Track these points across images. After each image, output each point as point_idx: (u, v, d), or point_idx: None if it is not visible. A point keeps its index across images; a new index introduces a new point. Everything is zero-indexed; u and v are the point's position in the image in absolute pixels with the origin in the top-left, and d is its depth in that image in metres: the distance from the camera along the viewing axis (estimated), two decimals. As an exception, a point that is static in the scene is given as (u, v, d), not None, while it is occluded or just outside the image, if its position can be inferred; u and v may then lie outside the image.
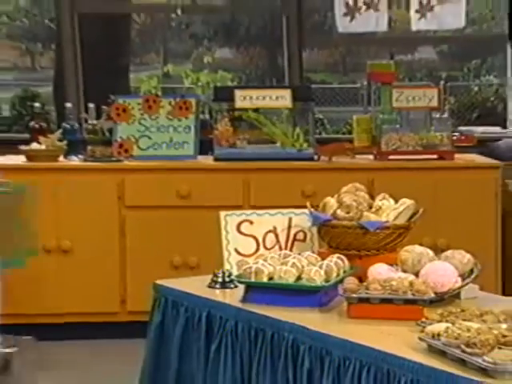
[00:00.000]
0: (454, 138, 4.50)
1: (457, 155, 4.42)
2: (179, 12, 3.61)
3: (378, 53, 6.29)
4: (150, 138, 4.44)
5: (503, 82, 6.60)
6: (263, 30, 10.23)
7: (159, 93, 4.87)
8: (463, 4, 4.88)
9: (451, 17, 4.88)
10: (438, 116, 4.48)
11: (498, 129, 5.30)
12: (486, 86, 8.64)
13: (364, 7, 4.85)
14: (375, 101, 4.66)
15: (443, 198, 3.97)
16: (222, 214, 2.75)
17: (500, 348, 1.90)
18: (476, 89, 8.71)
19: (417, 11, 4.88)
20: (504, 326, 2.03)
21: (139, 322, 3.01)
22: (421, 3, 4.87)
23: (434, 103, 4.44)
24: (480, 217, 4.23)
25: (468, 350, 1.91)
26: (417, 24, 4.89)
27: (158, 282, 2.71)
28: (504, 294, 3.57)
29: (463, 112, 6.66)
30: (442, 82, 4.67)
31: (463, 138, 4.64)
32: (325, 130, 5.64)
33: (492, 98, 7.37)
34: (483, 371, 1.85)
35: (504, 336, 1.95)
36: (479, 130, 5.11)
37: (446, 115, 4.49)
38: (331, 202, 2.74)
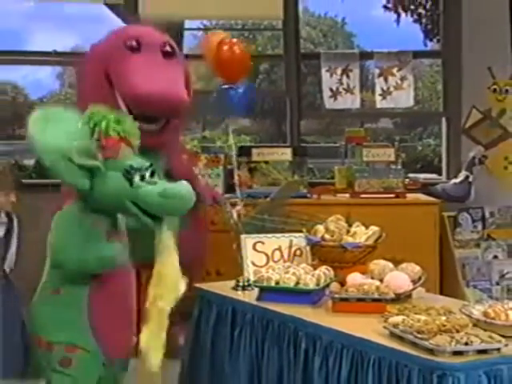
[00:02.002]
0: (406, 182, 4.46)
1: (408, 195, 4.39)
2: (214, 94, 3.64)
3: (352, 123, 6.31)
4: (191, 181, 4.44)
5: (438, 143, 6.69)
6: (272, 107, 10.32)
7: (199, 150, 4.85)
8: (411, 90, 4.90)
9: (403, 98, 4.91)
10: (394, 167, 4.43)
11: (434, 175, 5.31)
12: (426, 146, 8.72)
13: (343, 91, 4.89)
14: (350, 156, 4.64)
15: (399, 226, 3.91)
16: (243, 237, 2.73)
17: (441, 334, 1.88)
18: (419, 148, 8.80)
19: (380, 94, 4.91)
20: (443, 318, 2.01)
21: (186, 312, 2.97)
22: (382, 89, 4.90)
23: (392, 158, 4.42)
24: (425, 239, 4.17)
25: (419, 335, 1.89)
26: (380, 103, 4.92)
27: (198, 285, 2.69)
28: (441, 294, 3.52)
29: (411, 164, 6.65)
30: (396, 143, 4.64)
31: (411, 182, 4.62)
32: (314, 176, 5.61)
33: (431, 155, 7.40)
34: (430, 351, 1.82)
35: (444, 325, 1.94)
36: (422, 176, 5.08)
37: (399, 167, 4.45)
38: (320, 228, 2.73)
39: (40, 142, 2.30)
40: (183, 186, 2.36)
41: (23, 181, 5.38)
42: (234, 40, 3.55)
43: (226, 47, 3.45)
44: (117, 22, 5.43)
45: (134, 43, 3.30)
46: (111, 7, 5.87)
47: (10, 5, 5.87)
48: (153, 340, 2.31)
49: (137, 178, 2.31)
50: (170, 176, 3.60)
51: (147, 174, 2.36)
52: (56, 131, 2.32)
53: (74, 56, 5.38)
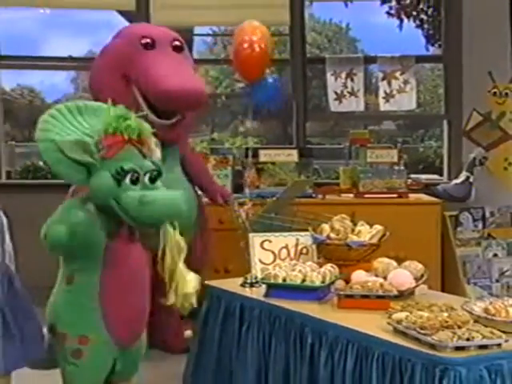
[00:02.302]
0: (408, 183, 4.44)
1: (410, 195, 4.37)
2: (223, 98, 3.68)
3: (356, 125, 6.29)
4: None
5: (440, 145, 6.67)
6: (279, 110, 10.31)
7: (208, 152, 4.85)
8: (414, 93, 4.89)
9: (406, 101, 4.90)
10: (397, 168, 4.41)
11: (436, 176, 5.29)
12: (428, 148, 8.69)
13: (348, 94, 4.89)
14: (354, 157, 4.61)
15: (402, 225, 3.89)
16: (251, 235, 2.72)
17: (443, 330, 1.87)
18: (421, 149, 8.77)
19: (383, 97, 4.90)
20: (445, 314, 2.00)
21: (194, 308, 2.96)
22: (386, 92, 4.89)
23: (395, 159, 4.40)
24: (427, 237, 4.15)
25: (422, 331, 1.88)
26: (383, 106, 4.93)
27: (206, 282, 2.68)
28: (443, 291, 3.50)
29: (412, 165, 6.65)
30: (398, 145, 4.63)
31: (414, 183, 4.60)
32: (319, 177, 5.58)
33: (432, 156, 7.38)
34: (432, 346, 1.81)
35: (446, 321, 1.92)
36: (423, 177, 5.06)
37: (402, 167, 4.43)
38: (326, 227, 2.71)
39: (40, 136, 2.28)
40: (168, 195, 2.29)
41: (38, 181, 5.43)
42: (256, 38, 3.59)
43: (246, 45, 3.49)
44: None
45: (148, 41, 3.32)
46: (123, 14, 5.89)
47: (27, 13, 5.89)
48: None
49: (127, 180, 2.25)
50: (185, 171, 3.61)
51: (146, 178, 2.28)
52: (61, 128, 2.31)
53: (88, 61, 5.40)
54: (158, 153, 2.46)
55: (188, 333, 3.15)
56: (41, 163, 6.04)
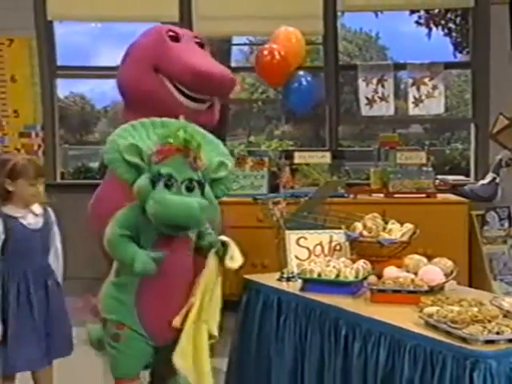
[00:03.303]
0: (436, 183, 4.38)
1: (438, 195, 4.31)
2: (259, 103, 3.67)
3: (385, 128, 6.23)
4: (238, 182, 4.44)
5: (466, 147, 6.57)
6: (312, 114, 10.26)
7: (245, 154, 4.87)
8: (442, 98, 4.83)
9: (434, 106, 4.85)
10: (425, 169, 4.35)
11: (462, 177, 5.20)
12: (454, 150, 8.57)
13: (378, 100, 4.86)
14: (383, 159, 4.58)
15: (430, 223, 3.81)
16: (287, 232, 2.71)
17: (473, 324, 1.83)
18: (448, 152, 8.65)
19: (413, 102, 4.85)
20: (475, 309, 1.95)
21: (234, 301, 2.97)
22: (415, 97, 4.84)
23: (423, 161, 4.34)
24: (454, 235, 4.09)
25: (452, 325, 1.83)
26: (412, 110, 4.88)
27: (245, 276, 2.68)
28: (470, 287, 3.43)
29: (439, 166, 6.56)
30: (426, 147, 4.58)
31: (442, 183, 4.54)
32: (350, 178, 5.55)
33: (458, 158, 7.26)
34: (463, 340, 1.77)
35: (476, 316, 1.88)
36: (450, 178, 4.98)
37: (430, 169, 4.37)
38: (358, 225, 2.68)
39: (108, 141, 2.35)
40: (185, 201, 2.24)
41: (88, 181, 5.52)
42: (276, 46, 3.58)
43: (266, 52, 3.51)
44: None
45: (173, 34, 3.34)
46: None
47: (79, 27, 6.00)
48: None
49: (161, 183, 2.26)
50: None
51: (183, 186, 2.27)
52: (128, 136, 2.36)
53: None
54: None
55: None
56: (91, 165, 6.15)
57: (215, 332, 2.39)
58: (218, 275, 2.42)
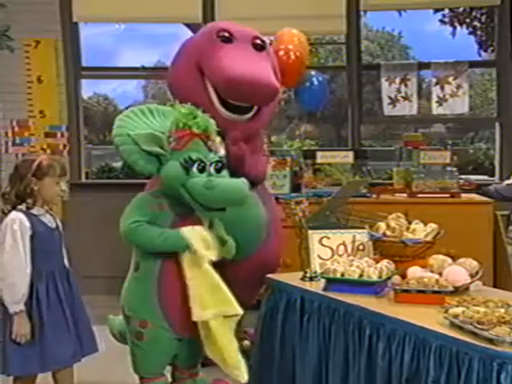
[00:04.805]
0: (460, 183, 4.32)
1: (462, 195, 4.25)
2: (282, 103, 3.57)
3: (407, 128, 6.19)
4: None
5: (489, 147, 6.50)
6: (333, 114, 10.23)
7: (267, 153, 4.85)
8: (466, 97, 4.77)
9: (459, 105, 4.78)
10: (449, 169, 4.30)
11: (486, 177, 5.14)
12: (478, 150, 8.46)
13: (401, 99, 4.82)
14: (405, 158, 4.55)
15: (454, 224, 3.77)
16: (310, 232, 2.71)
17: (500, 325, 1.80)
18: (471, 151, 8.55)
19: (436, 102, 4.79)
20: (502, 310, 1.93)
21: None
22: (439, 96, 4.78)
23: (447, 161, 4.30)
24: (479, 236, 4.04)
25: (479, 326, 1.81)
26: (436, 110, 4.82)
27: (268, 275, 2.69)
28: (495, 287, 3.39)
29: (462, 166, 6.49)
30: (449, 147, 4.52)
31: (466, 183, 4.47)
32: (371, 177, 5.52)
33: (482, 157, 7.17)
34: (489, 341, 1.75)
35: (502, 317, 1.86)
36: (473, 178, 4.91)
37: (454, 168, 4.32)
38: (382, 225, 2.67)
39: (117, 132, 2.37)
40: (231, 181, 2.37)
41: (111, 181, 5.57)
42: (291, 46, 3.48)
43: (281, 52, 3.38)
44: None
45: (226, 34, 3.00)
46: (190, 26, 5.97)
47: (103, 28, 6.05)
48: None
49: (194, 168, 2.34)
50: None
51: (211, 168, 2.37)
52: (134, 126, 2.38)
53: (158, 71, 5.51)
54: (221, 150, 2.51)
55: (246, 343, 3.12)
56: (114, 164, 6.20)
57: (233, 311, 2.36)
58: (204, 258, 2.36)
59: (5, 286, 2.36)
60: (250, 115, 2.96)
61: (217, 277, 2.37)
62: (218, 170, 2.40)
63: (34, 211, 2.45)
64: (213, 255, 2.37)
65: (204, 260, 2.33)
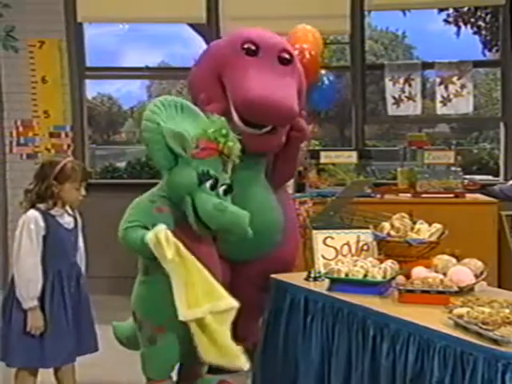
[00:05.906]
0: (465, 183, 4.32)
1: (467, 195, 4.25)
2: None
3: (410, 128, 6.18)
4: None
5: (494, 147, 6.48)
6: (336, 114, 10.23)
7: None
8: (471, 97, 4.76)
9: (463, 105, 4.78)
10: (453, 169, 4.30)
11: (490, 177, 5.12)
12: (482, 150, 8.46)
13: (405, 99, 4.81)
14: (409, 158, 4.57)
15: (459, 224, 3.76)
16: (314, 232, 2.70)
17: (505, 326, 1.80)
18: (475, 151, 8.56)
19: (440, 101, 4.78)
20: (507, 310, 1.92)
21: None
22: (443, 96, 4.77)
23: (452, 161, 4.30)
24: (483, 236, 4.03)
25: (483, 326, 1.81)
26: (440, 109, 4.82)
27: (272, 275, 2.68)
28: (499, 288, 3.38)
29: (466, 166, 6.47)
30: (453, 147, 4.52)
31: (471, 183, 4.47)
32: (375, 177, 5.51)
33: (486, 157, 7.16)
34: (494, 341, 1.74)
35: (507, 318, 1.85)
36: (478, 178, 4.90)
37: (458, 169, 4.32)
38: (386, 225, 2.66)
39: (149, 117, 2.36)
40: (239, 211, 2.37)
41: (115, 181, 5.58)
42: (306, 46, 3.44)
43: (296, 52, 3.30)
44: (199, 41, 5.53)
45: (252, 46, 2.85)
46: (194, 27, 5.98)
47: (107, 28, 6.07)
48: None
49: (207, 184, 2.35)
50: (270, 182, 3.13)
51: (220, 189, 2.38)
52: (166, 116, 2.38)
53: (162, 71, 5.53)
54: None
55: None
56: (118, 164, 6.20)
57: (223, 306, 2.30)
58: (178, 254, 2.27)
59: (21, 282, 2.41)
60: (267, 129, 2.86)
61: (204, 272, 2.31)
62: (225, 193, 2.41)
63: (53, 211, 2.48)
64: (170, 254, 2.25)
65: (167, 261, 2.25)
